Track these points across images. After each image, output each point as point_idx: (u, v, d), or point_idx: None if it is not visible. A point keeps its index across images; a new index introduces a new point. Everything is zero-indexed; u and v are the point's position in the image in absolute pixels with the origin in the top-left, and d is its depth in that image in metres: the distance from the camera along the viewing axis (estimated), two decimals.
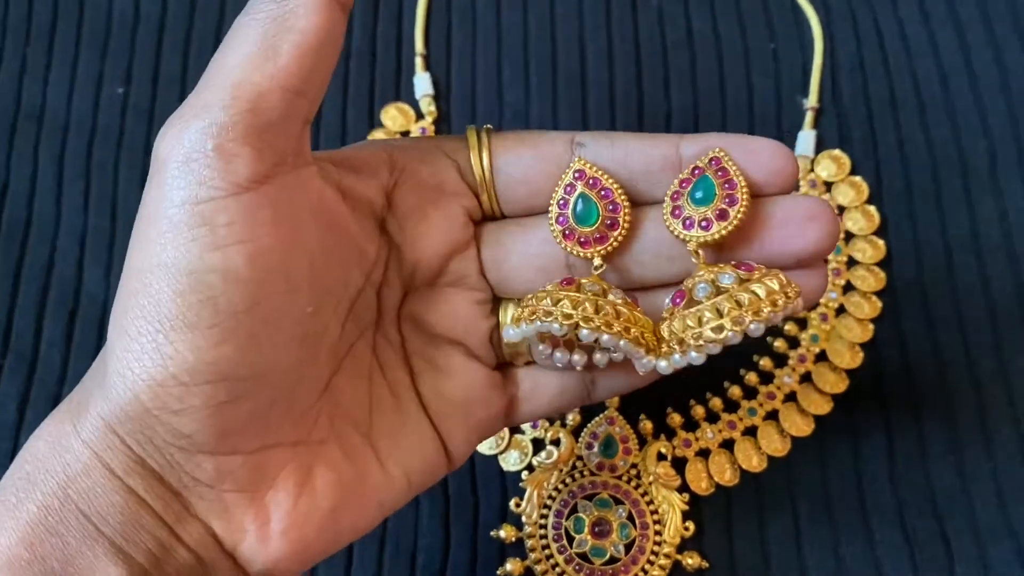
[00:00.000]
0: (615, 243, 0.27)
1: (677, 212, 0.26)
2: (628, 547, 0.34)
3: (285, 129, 0.23)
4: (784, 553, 0.34)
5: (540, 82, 0.42)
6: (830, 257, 0.38)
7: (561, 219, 0.27)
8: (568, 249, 0.27)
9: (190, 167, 0.22)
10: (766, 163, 0.26)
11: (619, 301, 0.26)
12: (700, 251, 0.26)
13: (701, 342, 0.25)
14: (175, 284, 0.22)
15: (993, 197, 0.39)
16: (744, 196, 0.25)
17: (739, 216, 0.25)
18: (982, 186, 0.39)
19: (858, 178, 0.40)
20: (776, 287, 0.24)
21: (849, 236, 0.39)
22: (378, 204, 0.27)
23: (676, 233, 0.26)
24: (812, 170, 0.40)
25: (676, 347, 0.25)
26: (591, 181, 0.27)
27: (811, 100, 0.41)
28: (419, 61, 0.42)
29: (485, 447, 0.35)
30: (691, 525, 0.34)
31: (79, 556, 0.22)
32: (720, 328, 0.24)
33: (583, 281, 0.26)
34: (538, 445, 0.36)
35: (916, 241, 0.38)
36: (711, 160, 0.26)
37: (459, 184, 0.28)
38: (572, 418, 0.36)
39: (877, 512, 0.34)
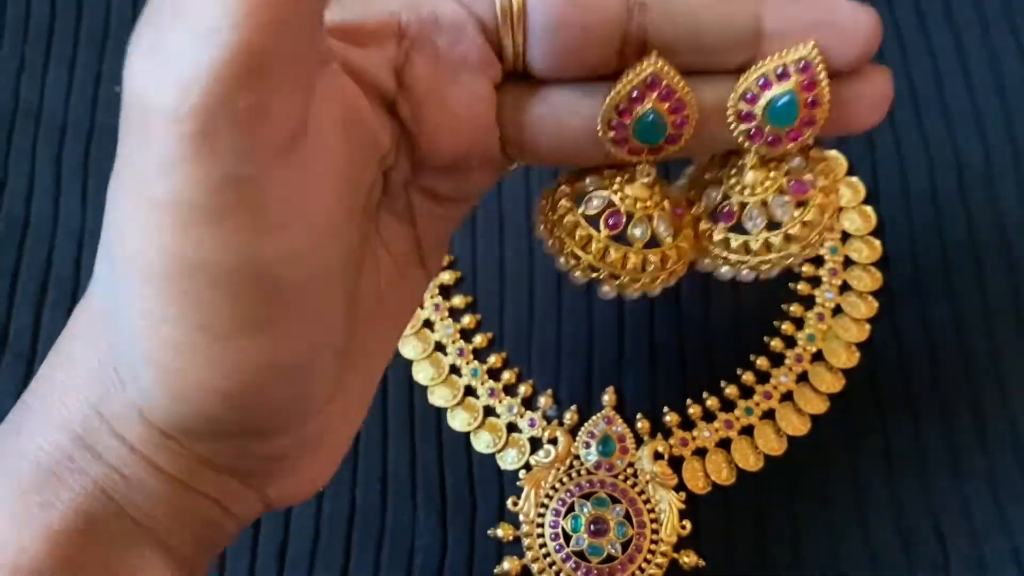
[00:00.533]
0: (670, 154, 0.24)
1: (747, 118, 0.23)
2: (625, 546, 0.34)
3: (310, 35, 0.17)
4: (781, 552, 0.34)
5: None
6: (827, 257, 0.39)
7: (616, 125, 0.23)
8: (614, 154, 0.23)
9: (214, 130, 0.17)
10: (858, 45, 0.22)
11: (665, 231, 0.24)
12: (756, 156, 0.24)
13: (744, 266, 0.24)
14: (227, 286, 0.17)
15: (988, 197, 0.39)
16: (823, 117, 0.23)
17: (810, 139, 0.23)
18: (977, 187, 0.39)
19: (855, 179, 0.40)
20: (825, 218, 0.24)
21: (846, 236, 0.39)
22: (387, 85, 0.22)
23: (740, 138, 0.24)
24: None
25: (724, 257, 0.25)
26: (665, 92, 0.22)
27: None
28: None
29: (483, 446, 0.36)
30: (688, 524, 0.34)
31: (120, 563, 0.19)
32: (767, 263, 0.24)
33: (634, 185, 0.23)
34: (535, 444, 0.36)
35: (913, 242, 0.39)
36: (803, 65, 0.22)
37: (484, 50, 0.22)
38: (569, 417, 0.36)
39: (873, 512, 0.34)
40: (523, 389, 0.36)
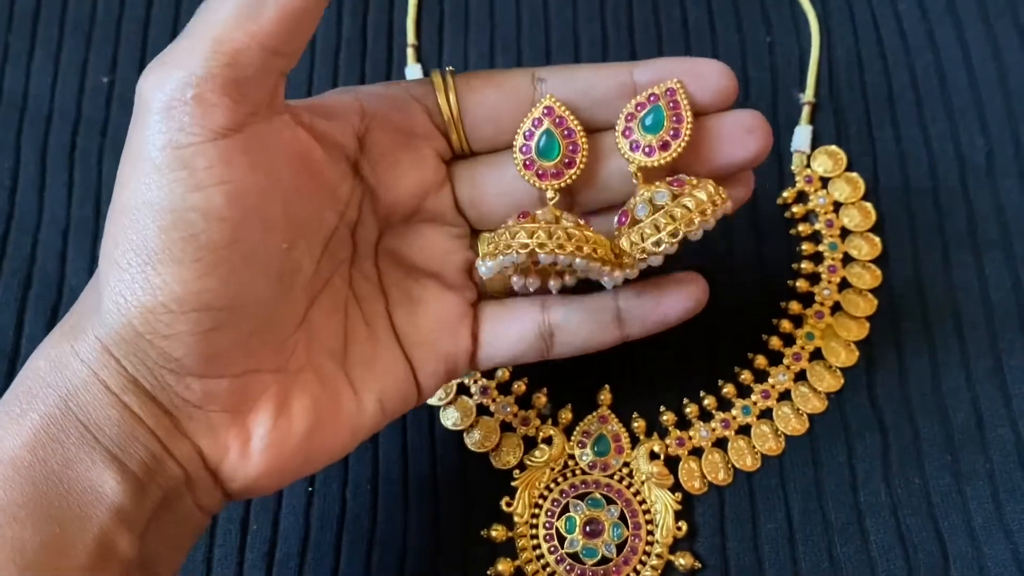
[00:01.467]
0: (570, 180, 0.29)
1: (627, 133, 0.29)
2: (620, 547, 0.33)
3: (261, 82, 0.25)
4: (777, 553, 0.33)
5: None
6: (826, 254, 0.38)
7: (524, 149, 0.29)
8: (526, 178, 0.29)
9: (171, 114, 0.24)
10: (712, 84, 0.29)
11: (570, 225, 0.28)
12: (639, 173, 0.29)
13: (644, 255, 0.28)
14: (160, 221, 0.24)
15: (990, 194, 0.39)
16: (687, 131, 0.29)
17: (679, 149, 0.29)
18: (979, 183, 0.39)
19: (854, 174, 0.39)
20: (704, 197, 0.28)
21: (845, 232, 0.38)
22: (350, 147, 0.29)
23: (623, 152, 0.29)
24: (808, 166, 0.39)
25: (640, 255, 0.28)
26: (558, 120, 0.29)
27: (807, 95, 0.40)
28: (410, 52, 0.41)
29: (475, 444, 0.35)
30: (684, 525, 0.34)
31: (78, 461, 0.24)
32: (659, 242, 0.28)
33: (537, 213, 0.28)
34: (529, 443, 0.35)
35: (913, 238, 0.38)
36: (667, 91, 0.29)
37: (428, 126, 0.30)
38: (564, 416, 0.35)
39: (872, 512, 0.34)
40: (517, 387, 0.36)
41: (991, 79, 0.40)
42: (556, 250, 0.27)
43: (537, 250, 0.27)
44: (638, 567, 0.33)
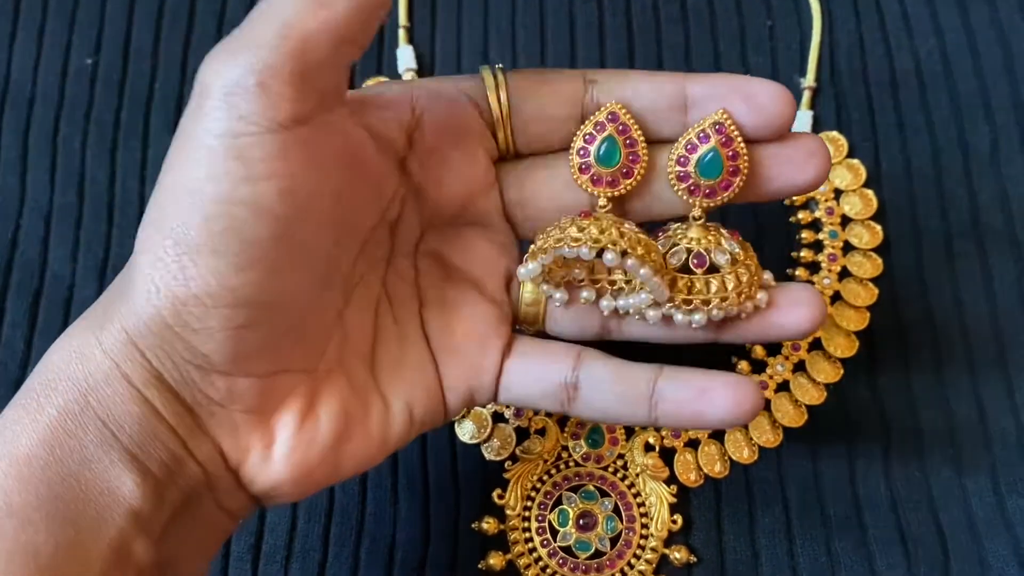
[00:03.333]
0: (625, 190, 0.29)
1: (684, 177, 0.28)
2: (614, 541, 0.33)
3: (329, 73, 0.24)
4: (775, 547, 0.33)
5: (528, 58, 0.40)
6: (826, 242, 0.37)
7: (583, 152, 0.28)
8: (580, 183, 0.29)
9: (232, 100, 0.23)
10: (766, 108, 0.27)
11: (637, 229, 0.28)
12: (703, 214, 0.29)
13: (689, 307, 0.28)
14: (204, 210, 0.23)
15: (995, 181, 0.38)
16: (745, 166, 0.28)
17: (739, 186, 0.28)
18: (983, 170, 0.38)
19: (856, 161, 0.38)
20: (754, 271, 0.28)
21: (846, 221, 0.38)
22: (399, 143, 0.28)
23: (682, 196, 0.28)
24: None
25: (691, 301, 0.28)
26: (621, 127, 0.28)
27: (808, 79, 0.40)
28: (402, 33, 0.40)
29: (467, 435, 0.34)
30: (679, 518, 0.33)
31: (96, 461, 0.23)
32: (707, 302, 0.28)
33: (598, 212, 0.28)
34: (522, 434, 0.34)
35: (915, 227, 0.37)
36: (715, 126, 0.28)
37: (480, 124, 0.29)
38: None
39: (870, 506, 0.33)
40: None
41: (996, 64, 0.39)
42: (629, 251, 0.27)
43: (609, 247, 0.27)
44: (632, 561, 0.33)
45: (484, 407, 0.34)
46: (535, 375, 0.29)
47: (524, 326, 0.30)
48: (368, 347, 0.28)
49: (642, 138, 0.28)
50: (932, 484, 0.33)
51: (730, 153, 0.28)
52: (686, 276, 0.28)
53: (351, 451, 0.27)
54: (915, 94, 0.39)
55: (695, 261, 0.28)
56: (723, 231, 0.29)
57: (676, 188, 0.28)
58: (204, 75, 0.23)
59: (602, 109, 0.28)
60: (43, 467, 0.23)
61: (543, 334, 0.30)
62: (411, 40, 0.41)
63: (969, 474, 0.34)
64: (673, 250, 0.29)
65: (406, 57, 0.40)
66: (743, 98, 0.27)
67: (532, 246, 0.29)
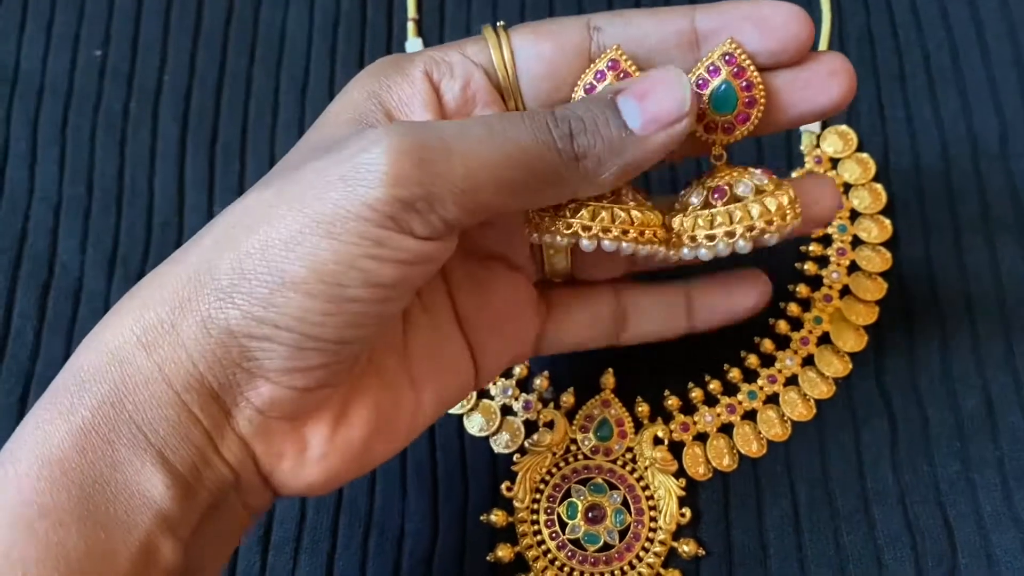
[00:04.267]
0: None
1: (700, 116, 0.27)
2: (622, 533, 0.33)
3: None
4: (783, 541, 0.33)
5: None
6: (835, 236, 0.37)
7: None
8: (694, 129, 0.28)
9: (405, 206, 0.23)
10: (781, 31, 0.26)
11: (632, 204, 0.27)
12: (723, 151, 0.28)
13: (712, 243, 0.27)
14: (319, 264, 0.23)
15: (1004, 176, 0.38)
16: (761, 96, 0.27)
17: (758, 117, 0.27)
18: (993, 164, 0.38)
19: (865, 155, 0.38)
20: (785, 203, 0.27)
21: (855, 215, 0.38)
22: (418, 115, 0.27)
23: (699, 135, 0.28)
24: (818, 146, 0.39)
25: (688, 242, 0.27)
26: (623, 74, 0.27)
27: None
28: (411, 26, 0.40)
29: (476, 428, 0.34)
30: (687, 511, 0.33)
31: (127, 464, 0.23)
32: (732, 233, 0.27)
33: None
34: (530, 427, 0.34)
35: (924, 220, 0.37)
36: (725, 56, 0.26)
37: (491, 92, 0.27)
38: (566, 400, 0.35)
39: (878, 499, 0.33)
40: (518, 370, 0.35)
41: (1006, 58, 0.39)
42: (600, 234, 0.26)
43: (601, 235, 0.26)
44: (641, 553, 0.33)
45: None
46: (584, 319, 0.30)
47: (554, 277, 0.31)
48: (399, 341, 0.28)
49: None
50: (940, 478, 0.33)
51: (743, 84, 0.26)
52: (707, 211, 0.27)
53: (380, 447, 0.27)
54: (924, 88, 0.39)
55: (715, 195, 0.27)
56: (752, 169, 0.28)
57: (693, 128, 0.27)
58: (391, 159, 0.22)
59: (602, 56, 0.27)
60: (74, 469, 0.23)
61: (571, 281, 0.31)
62: (420, 33, 0.40)
63: (977, 468, 0.33)
64: (696, 189, 0.28)
65: (415, 50, 0.40)
66: (755, 24, 0.26)
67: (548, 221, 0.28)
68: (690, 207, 0.28)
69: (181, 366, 0.23)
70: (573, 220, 0.26)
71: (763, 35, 0.26)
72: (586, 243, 0.26)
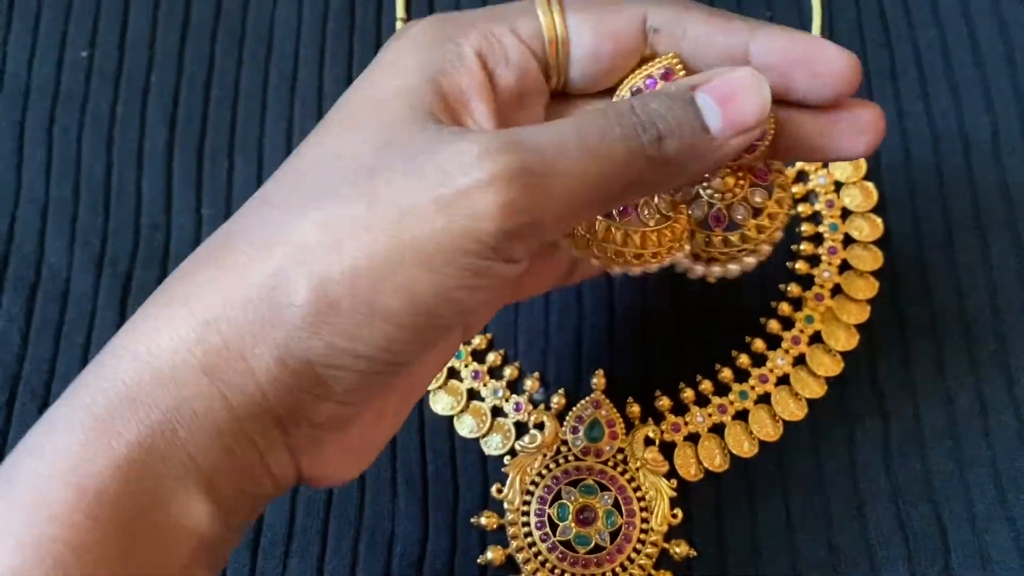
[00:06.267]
0: None
1: None
2: (614, 535, 0.33)
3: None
4: (775, 541, 0.33)
5: None
6: (826, 235, 0.37)
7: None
8: None
9: (511, 237, 0.22)
10: (835, 86, 0.25)
11: (667, 216, 0.26)
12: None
13: (733, 265, 0.28)
14: (415, 297, 0.21)
15: (995, 173, 0.37)
16: (771, 132, 0.26)
17: (763, 151, 0.26)
18: (984, 161, 0.38)
19: None
20: (780, 218, 0.27)
21: (846, 213, 0.37)
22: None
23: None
24: None
25: (712, 255, 0.28)
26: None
27: None
28: (399, 26, 0.40)
29: (466, 430, 0.34)
30: (679, 512, 0.33)
31: (172, 498, 0.21)
32: (752, 252, 0.28)
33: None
34: (521, 429, 0.34)
35: (916, 219, 0.37)
36: (663, 72, 0.26)
37: (540, 81, 0.26)
38: (556, 401, 0.34)
39: (871, 499, 0.33)
40: (508, 372, 0.35)
41: (997, 54, 0.39)
42: (649, 259, 0.26)
43: (632, 262, 0.26)
44: (632, 555, 0.32)
45: None
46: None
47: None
48: None
49: None
50: (933, 478, 0.33)
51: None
52: (705, 232, 0.27)
53: (396, 426, 0.27)
54: (915, 84, 0.39)
55: (713, 221, 0.27)
56: (754, 175, 0.27)
57: None
58: (500, 190, 0.21)
59: (658, 62, 0.25)
60: (115, 503, 0.20)
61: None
62: None
63: (970, 468, 0.33)
64: (696, 202, 0.27)
65: None
66: (812, 71, 0.24)
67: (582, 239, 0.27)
68: (690, 218, 0.27)
69: (248, 396, 0.22)
70: (625, 250, 0.26)
71: (820, 81, 0.25)
72: (637, 271, 0.26)
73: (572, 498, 0.33)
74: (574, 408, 0.34)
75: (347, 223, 0.21)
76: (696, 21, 0.25)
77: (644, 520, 0.33)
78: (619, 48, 0.25)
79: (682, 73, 0.25)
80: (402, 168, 0.21)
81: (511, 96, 0.25)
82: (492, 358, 0.35)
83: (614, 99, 0.26)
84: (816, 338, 0.36)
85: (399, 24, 0.40)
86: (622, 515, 0.33)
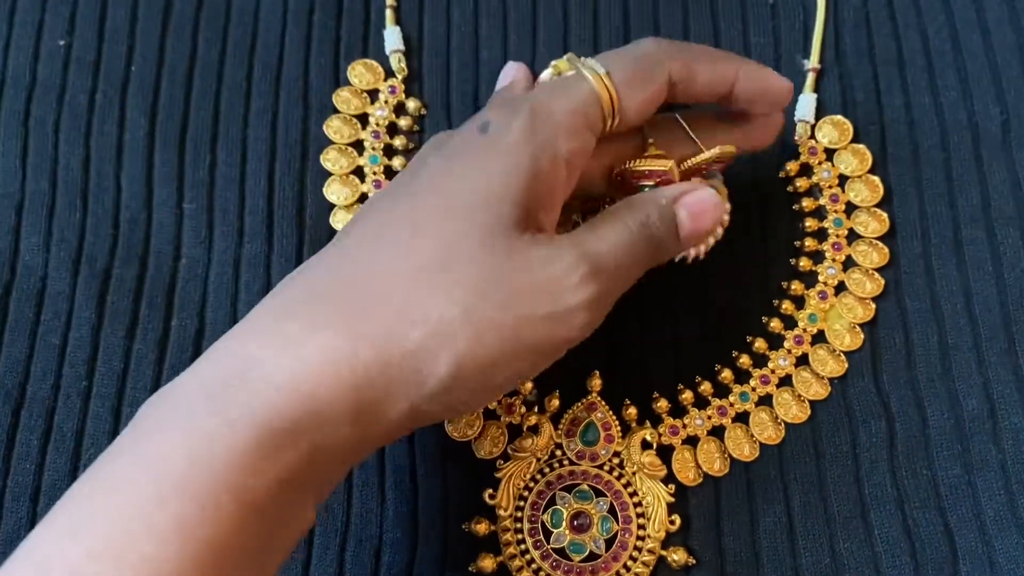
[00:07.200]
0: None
1: None
2: (609, 542, 0.32)
3: None
4: (776, 548, 0.32)
5: (519, 39, 0.39)
6: (830, 230, 0.36)
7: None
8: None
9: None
10: (771, 101, 0.32)
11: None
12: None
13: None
14: (517, 375, 0.28)
15: (1006, 166, 0.36)
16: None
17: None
18: (994, 154, 0.37)
19: (861, 146, 0.37)
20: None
21: (851, 208, 0.36)
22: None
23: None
24: (812, 136, 0.37)
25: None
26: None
27: (812, 60, 0.38)
28: (389, 13, 0.39)
29: (458, 433, 0.33)
30: (677, 518, 0.32)
31: (302, 509, 0.25)
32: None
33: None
34: (514, 432, 0.33)
35: (923, 213, 0.36)
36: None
37: (600, 130, 0.30)
38: (551, 403, 0.33)
39: (876, 505, 0.32)
40: None
41: (1007, 43, 0.38)
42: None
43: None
44: (628, 563, 0.32)
45: None
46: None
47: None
48: None
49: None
50: (940, 482, 0.32)
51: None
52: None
53: None
54: (923, 75, 0.38)
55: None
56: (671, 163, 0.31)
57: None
58: (592, 312, 0.27)
59: (659, 164, 0.31)
60: (264, 512, 0.24)
61: None
62: (398, 20, 0.39)
63: (978, 471, 0.32)
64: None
65: (393, 38, 0.38)
66: (767, 100, 0.32)
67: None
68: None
69: (380, 440, 0.26)
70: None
71: (761, 95, 0.32)
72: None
73: (566, 504, 0.32)
74: (569, 411, 0.33)
75: (483, 322, 0.26)
76: (703, 71, 0.31)
77: (641, 527, 0.32)
78: (654, 105, 0.31)
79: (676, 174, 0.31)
80: (524, 279, 0.26)
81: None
82: None
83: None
84: (819, 337, 0.35)
85: (388, 12, 0.39)
86: (618, 521, 0.32)
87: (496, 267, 0.26)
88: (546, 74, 0.30)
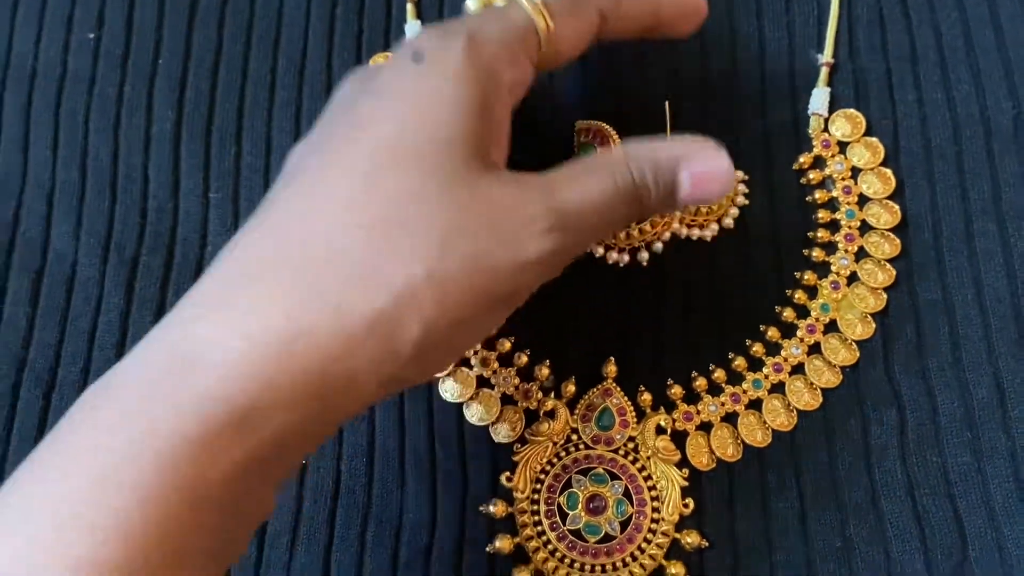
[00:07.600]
0: None
1: None
2: (624, 524, 0.32)
3: None
4: (788, 533, 0.32)
5: None
6: (843, 222, 0.36)
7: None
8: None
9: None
10: (688, 17, 0.32)
11: None
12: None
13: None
14: (484, 332, 0.27)
15: (1017, 160, 0.37)
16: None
17: None
18: (1006, 148, 0.37)
19: (874, 139, 0.37)
20: None
21: (863, 200, 0.37)
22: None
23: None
24: (826, 130, 0.38)
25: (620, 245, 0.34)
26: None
27: (826, 55, 0.39)
28: (410, 8, 0.39)
29: (475, 417, 0.34)
30: (691, 502, 0.32)
31: (267, 493, 0.24)
32: None
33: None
34: (531, 417, 0.34)
35: (934, 206, 0.36)
36: None
37: (535, 51, 0.28)
38: (567, 389, 0.34)
39: (887, 491, 0.32)
40: (518, 359, 0.34)
41: (1020, 39, 0.38)
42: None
43: None
44: (643, 545, 0.32)
45: None
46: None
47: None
48: None
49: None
50: (950, 469, 0.33)
51: None
52: None
53: None
54: (935, 69, 0.38)
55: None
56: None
57: None
58: (556, 257, 0.26)
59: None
60: (218, 500, 0.22)
61: None
62: (419, 15, 0.40)
63: (988, 459, 0.33)
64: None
65: (414, 32, 0.39)
66: (688, 22, 0.32)
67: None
68: None
69: (352, 412, 0.24)
70: None
71: (688, 22, 0.32)
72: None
73: (582, 487, 0.33)
74: (585, 396, 0.34)
75: (449, 281, 0.24)
76: (630, 3, 0.30)
77: (655, 510, 0.32)
78: (587, 36, 0.29)
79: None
80: (487, 228, 0.24)
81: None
82: (503, 346, 0.35)
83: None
84: (832, 327, 0.35)
85: (409, 7, 0.39)
86: (632, 504, 0.32)
87: (458, 215, 0.24)
88: (472, 3, 0.29)
